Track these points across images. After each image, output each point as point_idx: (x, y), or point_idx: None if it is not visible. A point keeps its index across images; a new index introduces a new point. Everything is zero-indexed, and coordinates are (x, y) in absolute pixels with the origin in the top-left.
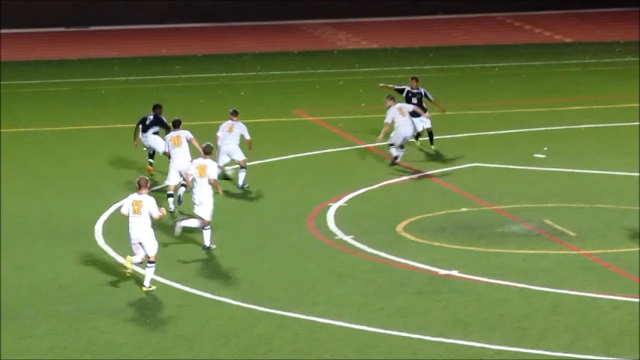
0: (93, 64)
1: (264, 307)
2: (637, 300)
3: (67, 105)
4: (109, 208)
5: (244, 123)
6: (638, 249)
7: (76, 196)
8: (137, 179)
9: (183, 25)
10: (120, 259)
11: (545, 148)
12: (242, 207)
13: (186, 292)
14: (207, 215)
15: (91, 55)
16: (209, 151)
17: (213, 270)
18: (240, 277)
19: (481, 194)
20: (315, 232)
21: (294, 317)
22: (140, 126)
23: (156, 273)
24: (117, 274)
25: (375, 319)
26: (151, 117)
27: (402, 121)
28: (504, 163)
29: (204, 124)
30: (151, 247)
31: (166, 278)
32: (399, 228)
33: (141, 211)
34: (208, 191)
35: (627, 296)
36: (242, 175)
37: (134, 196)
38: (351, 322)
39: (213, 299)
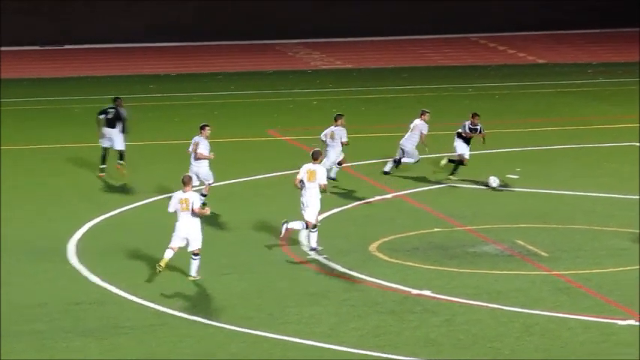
0: (67, 83)
1: (238, 326)
2: (608, 321)
3: (40, 124)
4: (83, 226)
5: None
6: (609, 270)
7: (51, 214)
8: (182, 177)
9: (158, 44)
10: (94, 278)
11: (519, 169)
12: (215, 226)
13: (160, 311)
14: (312, 218)
15: (65, 74)
16: (317, 157)
17: (187, 289)
18: (214, 296)
19: (454, 214)
20: (288, 252)
21: (267, 337)
22: (102, 118)
23: (130, 292)
24: (91, 293)
25: (347, 339)
26: (113, 110)
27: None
28: (477, 183)
29: (177, 143)
30: (197, 241)
31: (140, 297)
32: (372, 248)
33: (189, 208)
34: (316, 195)
35: (599, 317)
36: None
37: (180, 194)
38: (323, 342)
39: (187, 319)
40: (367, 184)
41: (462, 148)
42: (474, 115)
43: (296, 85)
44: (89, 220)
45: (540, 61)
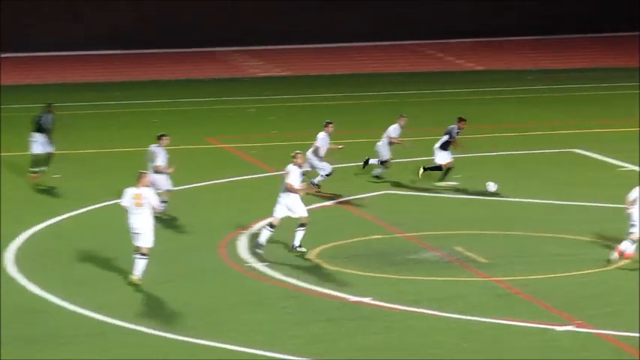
0: (11, 91)
1: (177, 335)
2: (547, 327)
3: None
4: (21, 234)
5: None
6: (547, 276)
7: None
8: (138, 174)
9: (99, 52)
10: (32, 286)
11: (458, 175)
12: (154, 235)
13: (100, 320)
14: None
15: (5, 82)
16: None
17: (127, 298)
18: (154, 305)
19: (393, 222)
20: (227, 260)
21: (206, 345)
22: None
23: (70, 302)
24: (29, 302)
25: (286, 346)
26: (43, 116)
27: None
28: (416, 190)
29: (115, 152)
30: (147, 239)
31: (80, 306)
32: (312, 255)
33: (142, 204)
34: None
35: (538, 323)
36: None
37: (133, 190)
38: (262, 349)
39: (127, 327)
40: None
41: (442, 157)
42: (461, 120)
43: (234, 92)
44: (28, 228)
45: (478, 67)
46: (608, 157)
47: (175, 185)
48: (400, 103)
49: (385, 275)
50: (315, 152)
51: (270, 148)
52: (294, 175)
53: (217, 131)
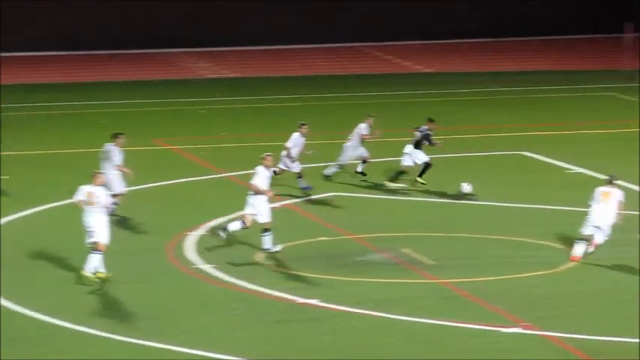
0: None
1: (124, 336)
2: (493, 328)
3: None
4: None
5: None
6: (494, 278)
7: None
8: (93, 173)
9: (47, 53)
10: None
11: (407, 177)
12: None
13: (45, 321)
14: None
15: None
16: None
17: (72, 299)
18: (100, 306)
19: (340, 223)
20: (174, 261)
21: (153, 347)
22: None
23: (15, 303)
24: None
25: (233, 348)
26: None
27: None
28: (364, 192)
29: (65, 153)
30: (101, 236)
31: (25, 307)
32: (259, 257)
33: (95, 202)
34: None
35: (484, 325)
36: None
37: (87, 187)
38: (210, 351)
39: (73, 329)
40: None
41: (412, 157)
42: (431, 121)
43: (183, 94)
44: None
45: (427, 70)
46: (556, 159)
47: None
48: (349, 105)
49: (332, 277)
50: (288, 153)
51: (220, 149)
52: (261, 177)
53: (166, 133)
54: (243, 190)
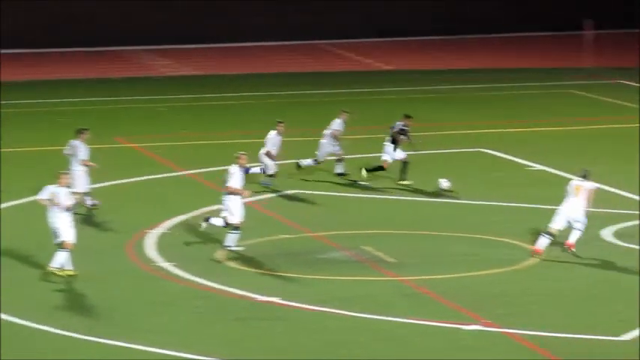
0: None
1: (84, 335)
2: (455, 326)
3: None
4: None
5: None
6: (455, 275)
7: None
8: (57, 173)
9: (4, 50)
10: None
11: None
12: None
13: (6, 320)
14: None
15: None
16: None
17: (31, 298)
18: (60, 305)
19: (302, 221)
20: (134, 259)
21: (114, 345)
22: None
23: None
24: None
25: (195, 347)
26: None
27: None
28: (325, 190)
29: (22, 151)
30: (66, 235)
31: None
32: (220, 255)
33: (59, 202)
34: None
35: (446, 322)
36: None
37: (51, 188)
38: (171, 350)
39: (32, 327)
40: (214, 190)
41: (398, 153)
42: (407, 117)
43: (143, 91)
44: None
45: (387, 67)
46: (516, 157)
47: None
48: (309, 102)
49: (294, 275)
50: (268, 152)
51: (180, 147)
52: (236, 177)
53: (127, 131)
54: (203, 188)
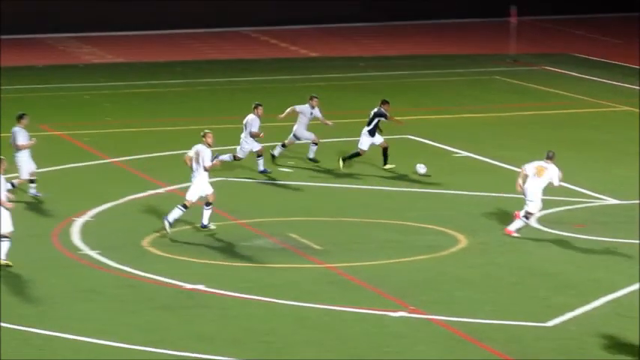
0: None
1: (8, 323)
2: (381, 313)
3: None
4: None
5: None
6: (381, 262)
7: None
8: None
9: None
10: None
11: (291, 163)
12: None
13: None
14: (193, 197)
15: None
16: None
17: None
18: None
19: (227, 208)
20: (59, 247)
21: (38, 333)
22: None
23: None
24: None
25: (120, 334)
26: None
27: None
28: (250, 177)
29: None
30: (5, 225)
31: None
32: (145, 242)
33: None
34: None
35: (372, 309)
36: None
37: None
38: (96, 338)
39: None
40: (140, 178)
41: (367, 142)
42: (385, 102)
43: (67, 79)
44: None
45: (312, 54)
46: (442, 143)
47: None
48: (233, 90)
49: (220, 262)
50: (251, 134)
51: (105, 135)
52: (206, 156)
53: (52, 118)
54: (129, 176)
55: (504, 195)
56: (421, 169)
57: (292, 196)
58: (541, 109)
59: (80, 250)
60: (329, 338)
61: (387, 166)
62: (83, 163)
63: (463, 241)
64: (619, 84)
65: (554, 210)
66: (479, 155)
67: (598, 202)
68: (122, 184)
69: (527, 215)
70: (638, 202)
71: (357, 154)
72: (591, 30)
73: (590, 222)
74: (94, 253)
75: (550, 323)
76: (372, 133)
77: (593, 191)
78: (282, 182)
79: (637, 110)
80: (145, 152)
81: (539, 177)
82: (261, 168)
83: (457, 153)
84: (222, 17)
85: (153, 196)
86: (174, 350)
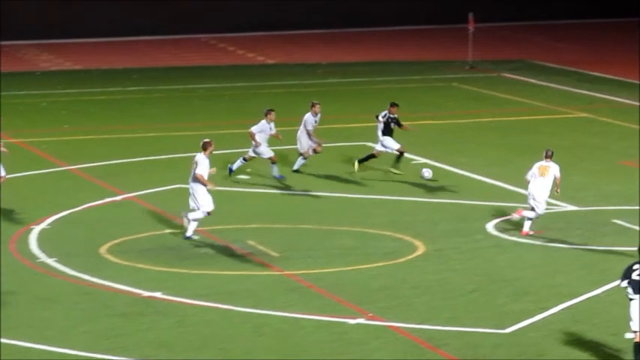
0: None
1: None
2: (340, 320)
3: None
4: None
5: None
6: (340, 269)
7: None
8: None
9: None
10: None
11: (249, 170)
12: None
13: None
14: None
15: None
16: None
17: None
18: None
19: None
20: (17, 255)
21: None
22: None
23: None
24: None
25: (78, 342)
26: None
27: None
28: None
29: None
30: None
31: None
32: (103, 250)
33: None
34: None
35: (330, 316)
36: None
37: None
38: (54, 346)
39: None
40: (97, 186)
41: (386, 143)
42: (394, 105)
43: (25, 86)
44: None
45: (270, 61)
46: None
47: None
48: (191, 96)
49: (177, 270)
50: (255, 139)
51: (62, 142)
52: (203, 166)
53: (8, 126)
54: (86, 183)
55: (462, 202)
56: (427, 173)
57: (250, 203)
58: (498, 115)
59: (38, 257)
60: (287, 346)
61: (394, 170)
62: (41, 171)
63: (421, 247)
64: (575, 90)
65: (513, 216)
66: (436, 162)
67: (556, 209)
68: (80, 191)
69: (532, 216)
70: (595, 208)
71: (399, 155)
72: (549, 36)
73: (548, 228)
74: (51, 261)
75: (508, 330)
76: (385, 133)
77: (550, 197)
78: (240, 189)
79: (592, 116)
80: (103, 159)
81: (543, 177)
82: (276, 174)
83: (414, 160)
84: (180, 24)
85: (110, 204)
86: (133, 358)
